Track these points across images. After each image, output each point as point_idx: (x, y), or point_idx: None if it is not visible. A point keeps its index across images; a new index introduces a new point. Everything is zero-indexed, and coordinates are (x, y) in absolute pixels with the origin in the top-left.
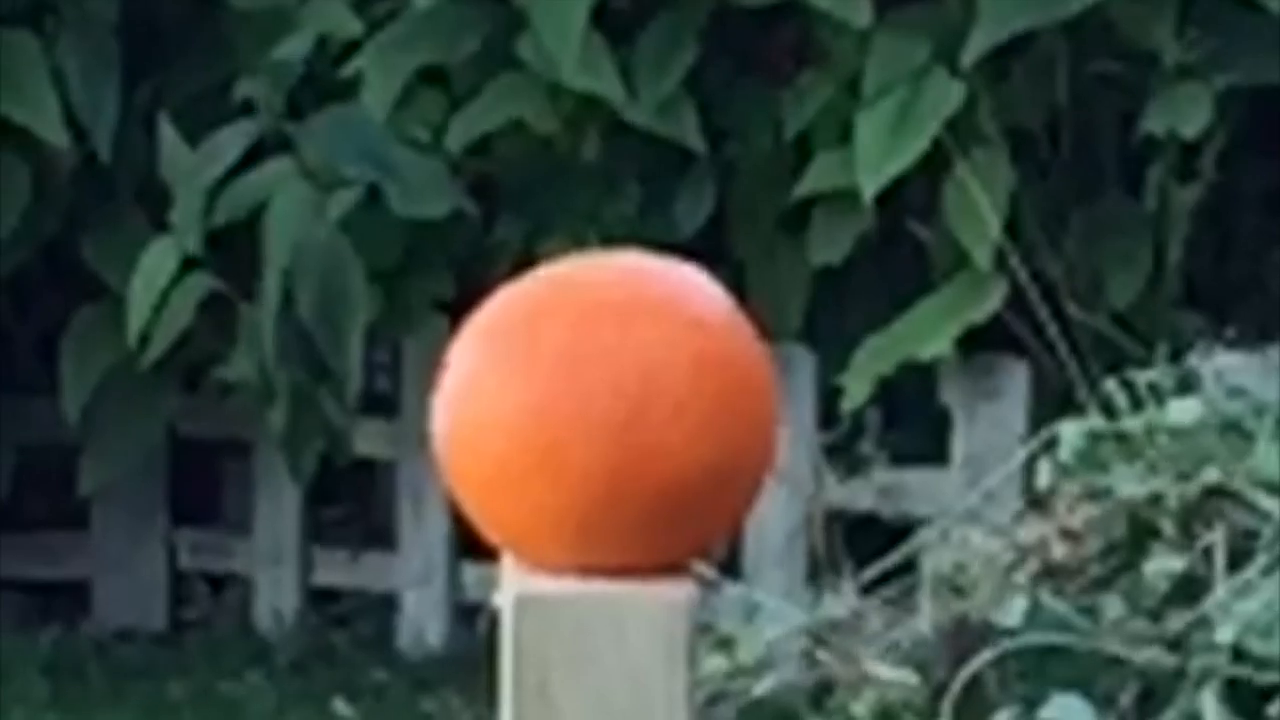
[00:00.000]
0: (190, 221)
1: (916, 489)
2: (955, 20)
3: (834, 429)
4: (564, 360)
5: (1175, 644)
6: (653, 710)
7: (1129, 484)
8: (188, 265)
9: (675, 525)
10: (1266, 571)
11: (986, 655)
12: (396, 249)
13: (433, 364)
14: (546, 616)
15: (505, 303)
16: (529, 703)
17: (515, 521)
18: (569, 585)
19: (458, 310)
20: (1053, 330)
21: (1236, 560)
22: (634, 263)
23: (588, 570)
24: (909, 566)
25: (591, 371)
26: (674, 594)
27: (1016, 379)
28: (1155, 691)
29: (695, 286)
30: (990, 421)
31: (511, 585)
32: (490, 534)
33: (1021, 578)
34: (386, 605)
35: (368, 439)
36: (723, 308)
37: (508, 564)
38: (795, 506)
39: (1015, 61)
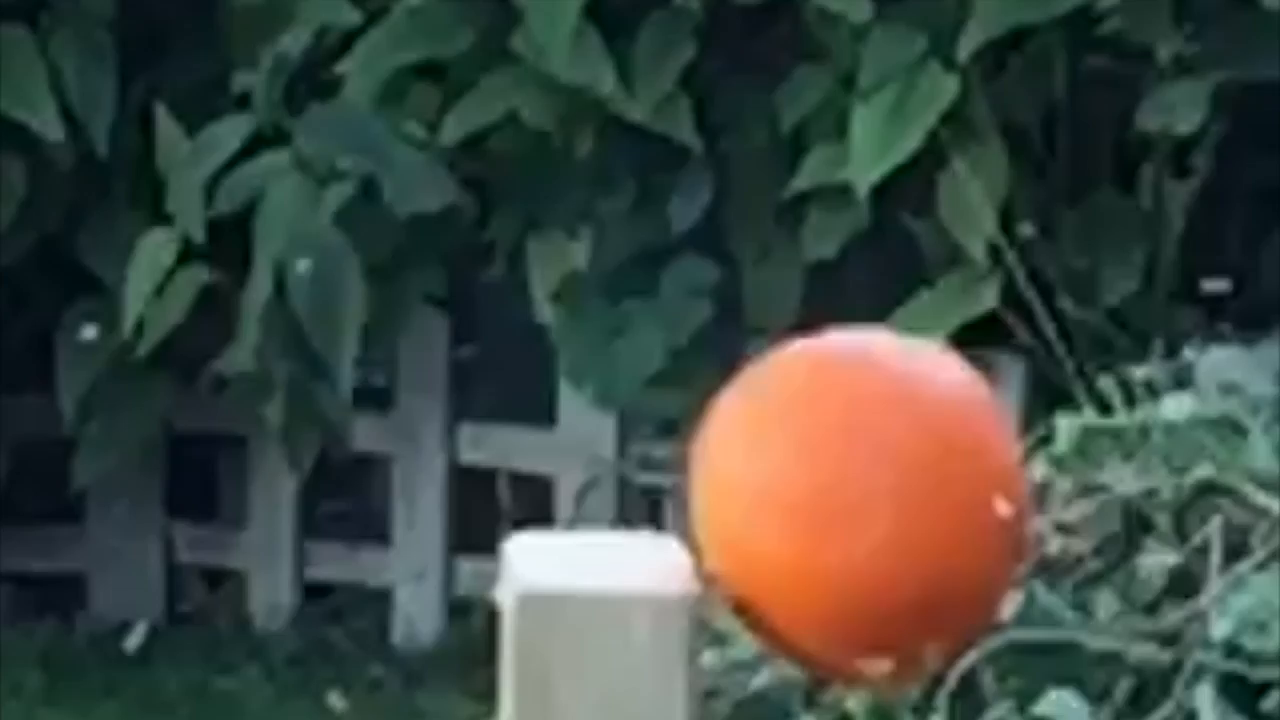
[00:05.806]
0: (188, 212)
1: None
2: (951, 15)
3: None
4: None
5: (1170, 639)
6: (654, 708)
7: (1123, 479)
8: (184, 257)
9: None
10: (1261, 567)
11: (980, 651)
12: (391, 243)
13: (426, 359)
14: (548, 614)
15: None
16: (530, 701)
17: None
18: (570, 583)
19: (451, 306)
20: (1047, 325)
21: (1231, 555)
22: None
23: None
24: None
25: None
26: (675, 592)
27: (1011, 374)
28: (1149, 687)
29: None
30: None
31: (512, 583)
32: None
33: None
34: (381, 600)
35: (362, 434)
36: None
37: (507, 560)
38: None
39: (1011, 56)
